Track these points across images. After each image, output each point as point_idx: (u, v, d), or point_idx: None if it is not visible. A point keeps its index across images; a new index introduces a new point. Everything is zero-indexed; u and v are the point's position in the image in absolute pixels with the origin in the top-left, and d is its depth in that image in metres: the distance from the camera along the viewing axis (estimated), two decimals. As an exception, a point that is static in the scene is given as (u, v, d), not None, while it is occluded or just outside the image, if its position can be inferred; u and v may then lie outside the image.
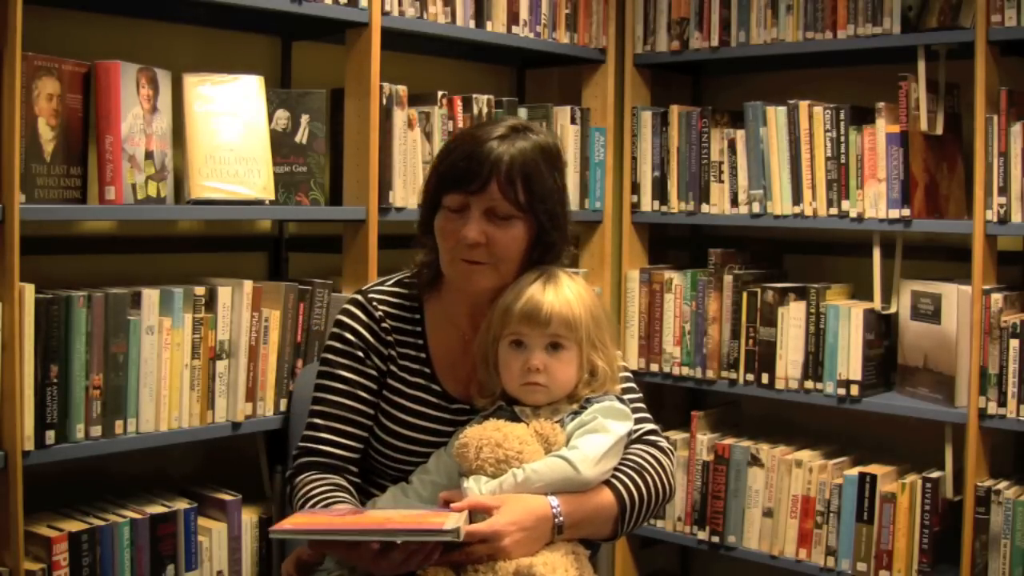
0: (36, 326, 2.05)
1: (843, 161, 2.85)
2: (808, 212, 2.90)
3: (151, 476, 2.47)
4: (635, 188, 3.25)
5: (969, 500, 2.66)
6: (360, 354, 1.88)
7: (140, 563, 2.23)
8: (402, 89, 2.66)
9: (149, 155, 2.27)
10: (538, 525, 1.66)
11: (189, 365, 2.30)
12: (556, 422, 1.74)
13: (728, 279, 3.05)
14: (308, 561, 1.81)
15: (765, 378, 2.97)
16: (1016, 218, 2.60)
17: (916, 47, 2.72)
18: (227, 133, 2.39)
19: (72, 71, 2.18)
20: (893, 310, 2.88)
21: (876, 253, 2.87)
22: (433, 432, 1.87)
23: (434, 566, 1.62)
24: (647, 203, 3.23)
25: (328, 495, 1.79)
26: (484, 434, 1.70)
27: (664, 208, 3.20)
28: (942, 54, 2.74)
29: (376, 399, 1.89)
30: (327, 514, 1.69)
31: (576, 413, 1.75)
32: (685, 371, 3.13)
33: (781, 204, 2.95)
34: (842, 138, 2.85)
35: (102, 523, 2.19)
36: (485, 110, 2.85)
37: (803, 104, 2.90)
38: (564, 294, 1.77)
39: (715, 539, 3.06)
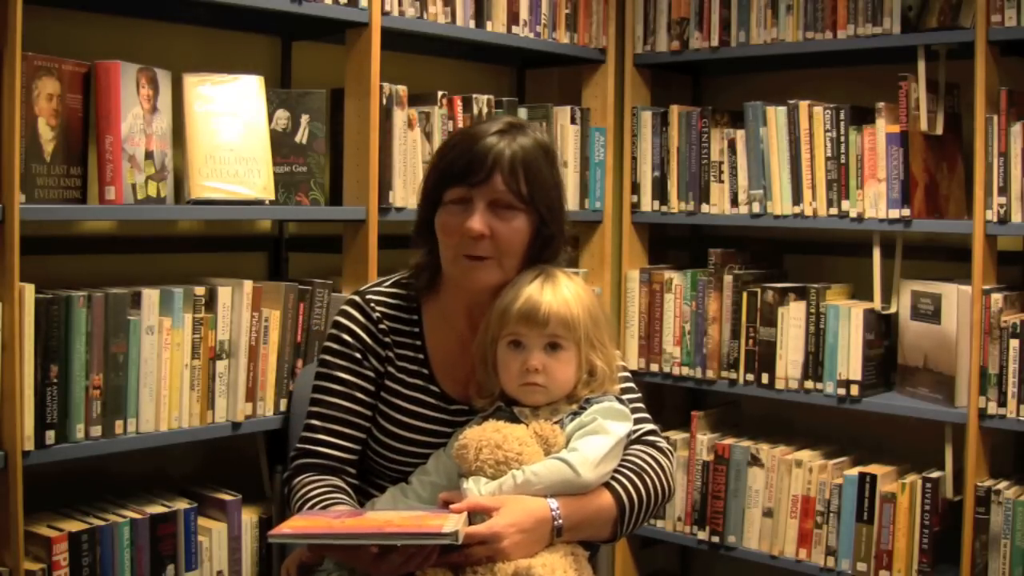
0: (36, 326, 2.05)
1: (843, 161, 2.85)
2: (808, 212, 2.90)
3: (151, 476, 2.47)
4: (635, 188, 3.25)
5: (969, 500, 2.66)
6: (358, 355, 1.88)
7: (140, 563, 2.23)
8: (402, 89, 2.66)
9: (149, 155, 2.27)
10: (537, 527, 1.66)
11: (189, 365, 2.30)
12: (555, 423, 1.74)
13: (728, 279, 3.05)
14: (307, 562, 1.81)
15: (765, 378, 2.97)
16: (1016, 218, 2.60)
17: (916, 47, 2.72)
18: (227, 133, 2.39)
19: (72, 71, 2.18)
20: (893, 310, 2.88)
21: (876, 253, 2.87)
22: (432, 433, 1.87)
23: (433, 567, 1.62)
24: (647, 203, 3.23)
25: (326, 496, 1.79)
26: (483, 435, 1.70)
27: (664, 208, 3.20)
28: (942, 54, 2.74)
29: (374, 400, 1.89)
30: (326, 516, 1.69)
31: (575, 414, 1.75)
32: (685, 371, 3.13)
33: (781, 204, 2.95)
34: (842, 138, 2.85)
35: (102, 523, 2.19)
36: (485, 110, 2.85)
37: (803, 104, 2.90)
38: (562, 294, 1.77)
39: (715, 539, 3.06)
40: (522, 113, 3.04)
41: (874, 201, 2.79)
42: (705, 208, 3.11)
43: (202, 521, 2.36)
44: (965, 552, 2.66)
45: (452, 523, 1.57)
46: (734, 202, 3.05)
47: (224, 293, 2.35)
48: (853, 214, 2.83)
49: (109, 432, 2.18)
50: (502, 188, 1.78)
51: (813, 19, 2.89)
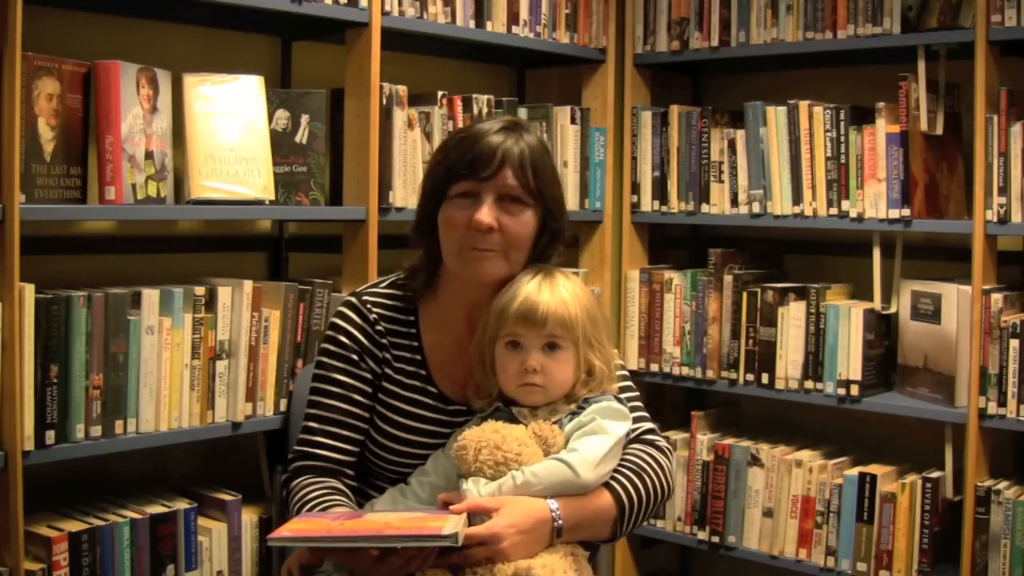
0: (36, 326, 2.05)
1: (843, 161, 2.85)
2: (808, 212, 2.90)
3: (151, 476, 2.47)
4: (635, 188, 3.25)
5: (969, 500, 2.66)
6: (355, 357, 1.88)
7: (140, 563, 2.23)
8: (402, 89, 2.66)
9: (149, 155, 2.27)
10: (537, 528, 1.66)
11: (189, 365, 2.30)
12: (554, 423, 1.74)
13: (728, 279, 3.05)
14: (307, 563, 1.81)
15: (765, 378, 2.97)
16: (1016, 218, 2.60)
17: (916, 47, 2.72)
18: (227, 133, 2.39)
19: (72, 71, 2.18)
20: (893, 310, 2.88)
21: (876, 253, 2.87)
22: (430, 434, 1.87)
23: (433, 568, 1.62)
24: (647, 203, 3.23)
25: (325, 498, 1.79)
26: (483, 436, 1.70)
27: (664, 208, 3.20)
28: (942, 54, 2.74)
29: (371, 402, 1.89)
30: (325, 519, 1.69)
31: (574, 414, 1.75)
32: (685, 371, 3.13)
33: (781, 204, 2.95)
34: (842, 138, 2.85)
35: (102, 523, 2.19)
36: (485, 110, 2.85)
37: (803, 104, 2.90)
38: (560, 294, 1.77)
39: (715, 539, 3.06)
40: (522, 113, 3.04)
41: (874, 201, 2.79)
42: (705, 208, 3.11)
43: (202, 521, 2.36)
44: (965, 552, 2.66)
45: (452, 524, 1.56)
46: (734, 202, 3.05)
47: (224, 293, 2.35)
48: (853, 214, 2.83)
49: (109, 432, 2.18)
50: (513, 182, 1.79)
51: (813, 19, 2.89)
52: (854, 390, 2.83)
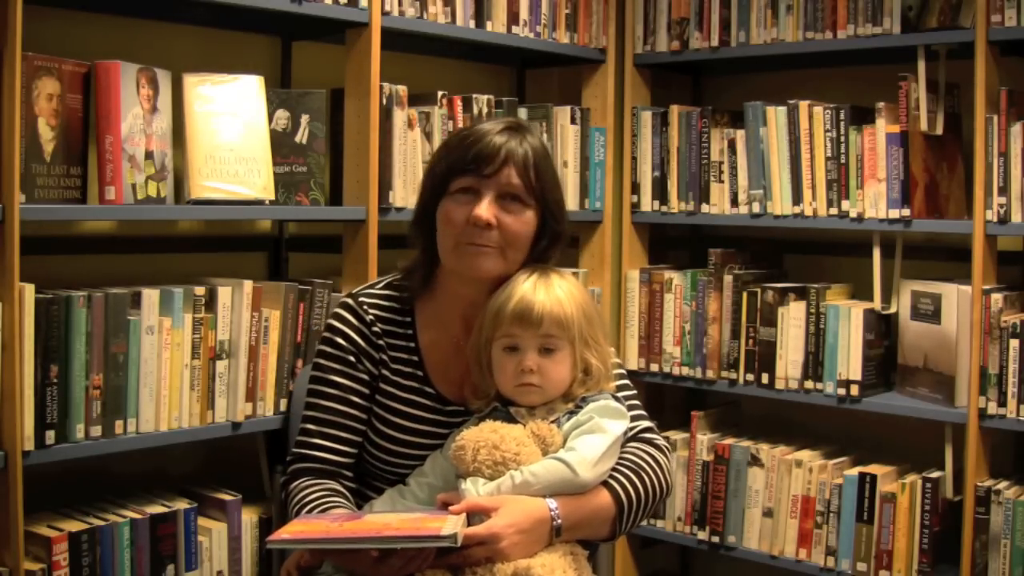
0: (36, 326, 2.05)
1: (843, 161, 2.85)
2: (808, 212, 2.90)
3: (151, 476, 2.47)
4: (635, 188, 3.25)
5: (969, 500, 2.66)
6: (351, 358, 1.88)
7: (140, 563, 2.23)
8: (402, 89, 2.66)
9: (149, 155, 2.27)
10: (536, 527, 1.66)
11: (189, 365, 2.30)
12: (552, 422, 1.74)
13: (728, 279, 3.05)
14: (307, 565, 1.81)
15: (765, 378, 2.97)
16: (1016, 218, 2.60)
17: (916, 47, 2.72)
18: (227, 133, 2.39)
19: (72, 71, 2.18)
20: (893, 310, 2.88)
21: (876, 253, 2.87)
22: (428, 435, 1.87)
23: (432, 568, 1.62)
24: (647, 203, 3.23)
25: (323, 500, 1.79)
26: (481, 436, 1.70)
27: (664, 208, 3.20)
28: (942, 54, 2.74)
29: (369, 403, 1.89)
30: (324, 520, 1.69)
31: (572, 413, 1.75)
32: (685, 371, 3.13)
33: (781, 204, 2.95)
34: (842, 138, 2.85)
35: (102, 523, 2.19)
36: (485, 110, 2.85)
37: (803, 104, 2.90)
38: (555, 293, 1.77)
39: (715, 539, 3.06)
40: (522, 113, 3.04)
41: (874, 201, 2.79)
42: (705, 208, 3.11)
43: (202, 521, 2.36)
44: (965, 552, 2.66)
45: (451, 525, 1.57)
46: (734, 202, 3.05)
47: (224, 293, 2.35)
48: (853, 214, 2.83)
49: (109, 432, 2.18)
50: (516, 181, 1.80)
51: (813, 19, 2.89)
52: (854, 390, 2.83)
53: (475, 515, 1.65)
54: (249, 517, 2.43)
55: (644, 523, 3.17)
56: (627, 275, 3.25)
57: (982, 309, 2.63)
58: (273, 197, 2.45)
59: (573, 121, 3.12)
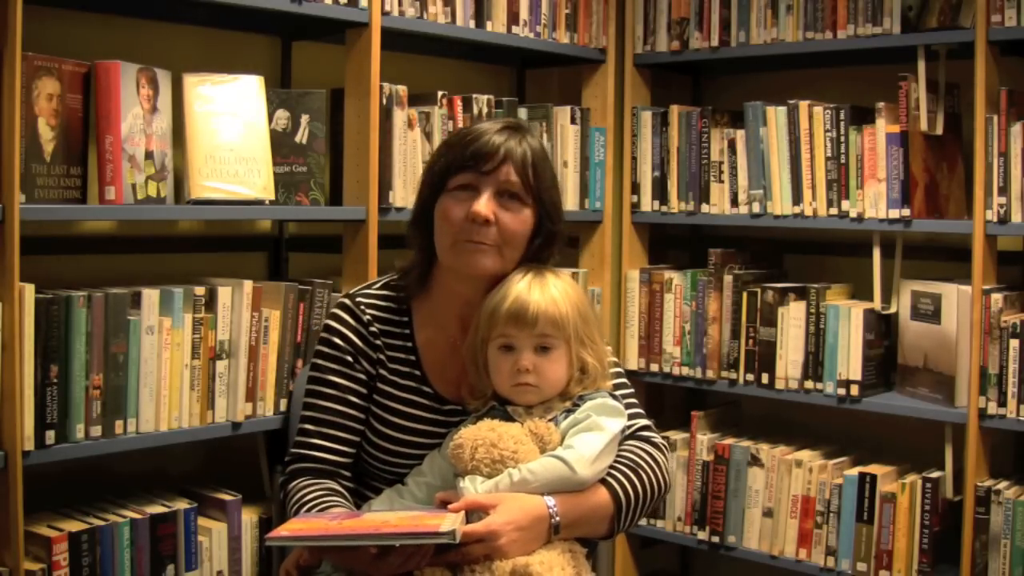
0: (36, 326, 2.05)
1: (843, 161, 2.85)
2: (808, 212, 2.90)
3: (151, 476, 2.47)
4: (635, 188, 3.25)
5: (969, 500, 2.66)
6: (349, 358, 1.88)
7: (140, 563, 2.23)
8: (402, 89, 2.66)
9: (149, 155, 2.27)
10: (534, 525, 1.66)
11: (189, 365, 2.30)
12: (549, 420, 1.74)
13: (728, 279, 3.05)
14: (305, 565, 1.81)
15: (765, 378, 2.97)
16: (1016, 218, 2.60)
17: (916, 47, 2.72)
18: (227, 133, 2.39)
19: (72, 71, 2.18)
20: (893, 310, 2.88)
21: (876, 253, 2.87)
22: (426, 434, 1.87)
23: (431, 566, 1.62)
24: (647, 203, 3.23)
25: (322, 499, 1.79)
26: (479, 434, 1.70)
27: (664, 208, 3.20)
28: (942, 54, 2.74)
29: (367, 403, 1.89)
30: (323, 518, 1.69)
31: (569, 411, 1.76)
32: (685, 371, 3.13)
33: (781, 204, 2.95)
34: (842, 138, 2.85)
35: (102, 523, 2.19)
36: (485, 110, 2.85)
37: (803, 104, 2.90)
38: (550, 293, 1.77)
39: (715, 539, 3.06)
40: (522, 113, 3.04)
41: (874, 201, 2.79)
42: (705, 208, 3.11)
43: (202, 521, 2.36)
44: (965, 552, 2.66)
45: (449, 522, 1.57)
46: (734, 202, 3.05)
47: (224, 293, 2.35)
48: (853, 214, 2.83)
49: (109, 432, 2.19)
50: (514, 179, 1.80)
51: (813, 19, 2.89)
52: (854, 390, 2.83)
53: (473, 513, 1.65)
54: (249, 517, 2.43)
55: (644, 523, 3.19)
56: (627, 275, 3.25)
57: (982, 309, 2.63)
58: (273, 197, 2.45)
59: (573, 121, 3.12)
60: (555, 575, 1.63)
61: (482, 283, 1.83)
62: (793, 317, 2.92)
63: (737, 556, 3.03)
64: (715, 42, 3.08)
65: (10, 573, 2.03)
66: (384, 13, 2.60)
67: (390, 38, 2.63)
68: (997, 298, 2.63)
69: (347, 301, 1.92)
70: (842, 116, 2.84)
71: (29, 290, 2.04)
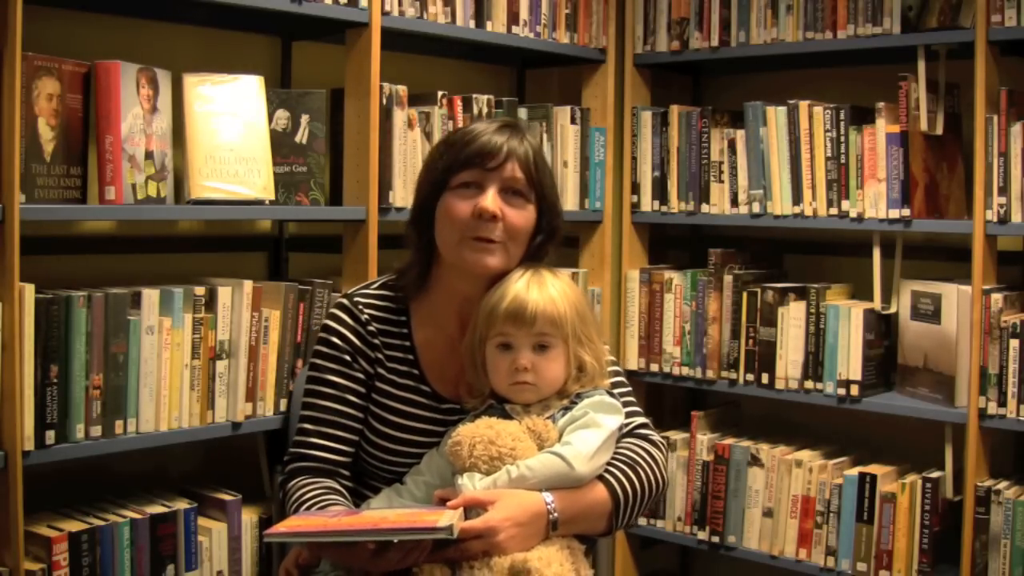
0: (36, 326, 2.05)
1: (843, 161, 2.85)
2: (808, 212, 2.90)
3: (151, 476, 2.47)
4: (635, 188, 3.25)
5: (969, 500, 2.66)
6: (347, 358, 1.88)
7: (140, 563, 2.23)
8: (402, 89, 2.66)
9: (149, 155, 2.27)
10: (533, 521, 1.66)
11: (189, 365, 2.30)
12: (547, 418, 1.75)
13: (728, 279, 3.05)
14: (304, 564, 1.81)
15: (765, 378, 2.97)
16: (1016, 218, 2.60)
17: (916, 47, 2.72)
18: (227, 133, 2.39)
19: (72, 71, 2.18)
20: (893, 310, 2.88)
21: (876, 253, 2.87)
22: (424, 433, 1.88)
23: (430, 563, 1.63)
24: (647, 203, 3.23)
25: (321, 498, 1.79)
26: (477, 432, 1.71)
27: (664, 208, 3.20)
28: (942, 54, 2.74)
29: (365, 402, 1.89)
30: (322, 516, 1.69)
31: (567, 409, 1.76)
32: (685, 371, 3.13)
33: (781, 204, 2.95)
34: (842, 138, 2.85)
35: (102, 523, 2.19)
36: (485, 110, 2.85)
37: (803, 104, 2.90)
38: (548, 292, 1.78)
39: (715, 539, 3.06)
40: (522, 113, 3.04)
41: (874, 201, 2.79)
42: (705, 208, 3.11)
43: (202, 521, 2.36)
44: (965, 552, 2.66)
45: (447, 517, 1.57)
46: (734, 202, 3.05)
47: (224, 293, 2.35)
48: (853, 214, 2.83)
49: (109, 432, 2.19)
50: (519, 175, 1.82)
51: (813, 19, 2.89)
52: (854, 390, 2.83)
53: (472, 509, 1.65)
54: (249, 517, 2.43)
55: (644, 523, 3.19)
56: (627, 275, 3.26)
57: (982, 309, 2.63)
58: (273, 197, 2.45)
59: (573, 121, 3.12)
60: (553, 571, 1.64)
61: (483, 280, 1.84)
62: (793, 317, 2.92)
63: (737, 556, 3.03)
64: (715, 42, 3.08)
65: (10, 573, 2.03)
66: (384, 13, 2.60)
67: (390, 38, 2.63)
68: (997, 298, 2.63)
69: (345, 301, 1.92)
70: (842, 116, 2.84)
71: (29, 290, 2.04)
